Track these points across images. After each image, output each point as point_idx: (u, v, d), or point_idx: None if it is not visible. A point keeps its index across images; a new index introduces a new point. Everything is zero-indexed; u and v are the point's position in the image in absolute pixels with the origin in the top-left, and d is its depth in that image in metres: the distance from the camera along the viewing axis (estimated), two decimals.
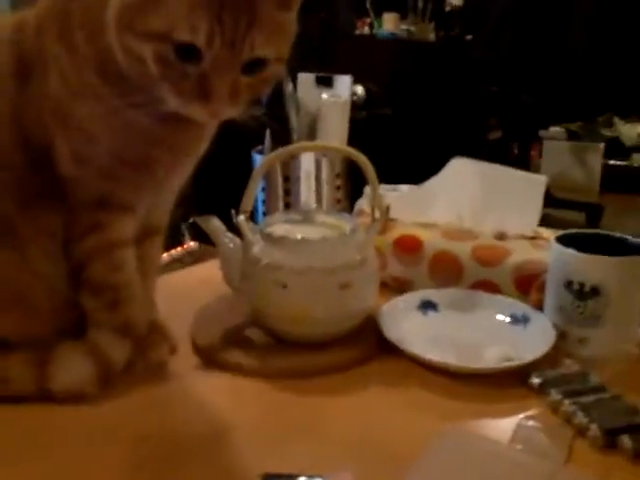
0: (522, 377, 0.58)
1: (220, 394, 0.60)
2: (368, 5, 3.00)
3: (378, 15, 3.03)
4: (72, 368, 0.59)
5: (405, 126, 2.57)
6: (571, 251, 0.61)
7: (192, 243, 2.46)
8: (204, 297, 0.76)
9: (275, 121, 0.91)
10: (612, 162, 2.75)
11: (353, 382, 0.61)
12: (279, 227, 0.66)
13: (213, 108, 0.51)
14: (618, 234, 0.66)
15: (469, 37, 2.95)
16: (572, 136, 2.81)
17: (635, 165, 2.75)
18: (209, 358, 0.64)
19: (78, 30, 0.53)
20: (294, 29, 0.53)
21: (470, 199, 0.79)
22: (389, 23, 2.94)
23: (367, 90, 2.38)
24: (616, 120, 2.84)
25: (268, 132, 0.91)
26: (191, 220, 2.51)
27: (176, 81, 0.50)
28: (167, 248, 0.74)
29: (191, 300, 0.75)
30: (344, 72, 1.01)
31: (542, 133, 2.85)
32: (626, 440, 0.47)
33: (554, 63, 2.66)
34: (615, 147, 2.76)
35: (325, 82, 0.97)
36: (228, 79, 0.49)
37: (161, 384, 0.61)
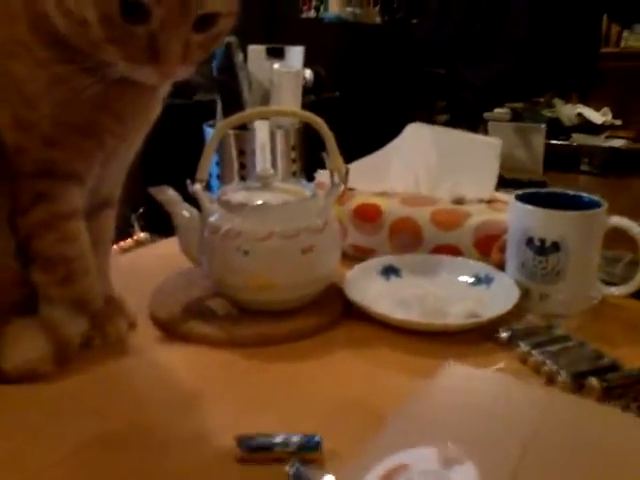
0: (488, 333, 0.59)
1: (184, 365, 0.58)
2: None
3: None
4: (24, 346, 0.55)
5: (353, 109, 2.57)
6: (532, 208, 0.62)
7: (142, 234, 2.40)
8: (161, 274, 0.73)
9: (226, 94, 0.89)
10: (554, 142, 2.82)
11: (321, 347, 0.60)
12: (237, 194, 0.65)
13: (165, 69, 0.48)
14: (574, 192, 0.67)
15: (414, 21, 2.97)
16: (515, 117, 2.88)
17: (574, 144, 2.84)
18: (171, 330, 0.62)
19: None
20: None
21: (427, 164, 0.79)
22: (335, 6, 2.93)
23: (315, 74, 2.37)
24: (556, 101, 2.93)
25: (219, 105, 0.88)
26: (141, 210, 2.46)
27: (124, 44, 0.47)
28: (116, 240, 0.72)
29: (148, 277, 0.73)
30: None
31: (487, 115, 2.90)
32: (594, 381, 0.48)
33: (497, 45, 2.70)
34: (556, 127, 2.84)
35: (276, 53, 0.95)
36: (179, 38, 0.47)
37: (121, 358, 0.59)
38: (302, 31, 2.87)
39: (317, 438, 0.44)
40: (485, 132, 2.76)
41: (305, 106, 1.03)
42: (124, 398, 0.53)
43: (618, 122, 2.81)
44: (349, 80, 2.70)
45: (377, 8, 2.92)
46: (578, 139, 2.82)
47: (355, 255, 0.78)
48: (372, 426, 0.41)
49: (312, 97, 2.30)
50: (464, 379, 0.34)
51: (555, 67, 2.73)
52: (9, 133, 0.52)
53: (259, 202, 0.62)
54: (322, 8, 2.98)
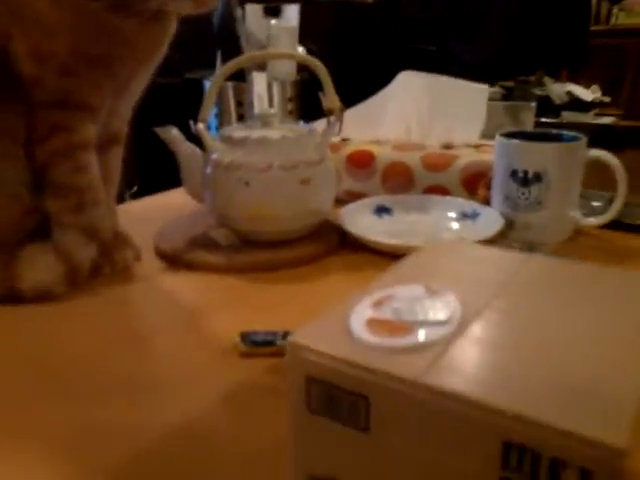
0: None
1: (187, 289, 0.61)
2: None
3: None
4: (40, 268, 0.59)
5: (345, 85, 2.59)
6: (516, 141, 0.66)
7: None
8: (165, 218, 0.77)
9: (226, 47, 0.92)
10: (544, 120, 2.86)
11: (316, 272, 0.63)
12: (238, 132, 0.68)
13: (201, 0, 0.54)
14: (555, 130, 0.71)
15: None
16: (506, 96, 2.92)
17: (564, 122, 2.88)
18: (174, 260, 0.66)
19: None
20: None
21: (418, 111, 0.83)
22: None
23: (309, 51, 2.39)
24: (546, 79, 2.96)
25: (219, 57, 0.92)
26: (135, 188, 2.49)
27: None
28: None
29: (151, 221, 0.76)
30: None
31: None
32: None
33: (487, 22, 2.73)
34: (546, 105, 2.88)
35: (273, 12, 0.98)
36: None
37: (127, 283, 0.62)
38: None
39: None
40: None
41: (298, 83, 1.07)
42: (130, 315, 0.57)
43: (607, 99, 2.85)
44: (340, 57, 2.72)
45: None
46: (568, 117, 2.86)
47: (349, 201, 0.81)
48: None
49: (305, 74, 2.32)
50: (450, 247, 0.37)
51: (545, 44, 2.76)
52: (27, 64, 0.55)
53: (259, 136, 0.65)
54: None
